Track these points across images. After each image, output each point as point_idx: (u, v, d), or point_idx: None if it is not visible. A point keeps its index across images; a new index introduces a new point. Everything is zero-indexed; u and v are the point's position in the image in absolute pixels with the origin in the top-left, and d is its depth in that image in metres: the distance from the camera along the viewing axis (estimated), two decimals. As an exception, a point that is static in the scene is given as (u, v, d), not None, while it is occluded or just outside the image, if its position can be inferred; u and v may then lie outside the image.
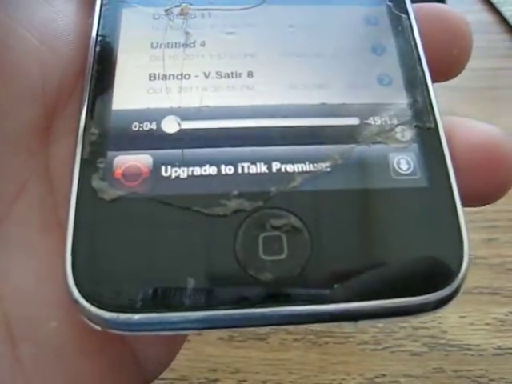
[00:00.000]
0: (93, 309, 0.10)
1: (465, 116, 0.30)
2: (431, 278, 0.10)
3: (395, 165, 0.11)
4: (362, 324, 0.10)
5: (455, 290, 0.10)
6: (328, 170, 0.11)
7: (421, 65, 0.12)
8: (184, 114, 0.12)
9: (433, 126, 0.12)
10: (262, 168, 0.11)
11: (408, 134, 0.12)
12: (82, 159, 0.11)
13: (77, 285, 0.10)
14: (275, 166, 0.11)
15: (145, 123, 0.12)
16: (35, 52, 0.12)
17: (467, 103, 0.27)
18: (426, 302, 0.10)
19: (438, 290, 0.10)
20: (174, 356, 0.13)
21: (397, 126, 0.12)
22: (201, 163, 0.11)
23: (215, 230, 0.11)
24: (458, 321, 0.22)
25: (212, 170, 0.11)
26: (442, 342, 0.21)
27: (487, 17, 0.31)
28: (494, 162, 0.11)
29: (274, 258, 0.10)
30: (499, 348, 0.21)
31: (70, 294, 0.10)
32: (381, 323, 0.10)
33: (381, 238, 0.11)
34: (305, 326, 0.21)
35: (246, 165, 0.11)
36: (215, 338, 0.21)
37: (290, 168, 0.11)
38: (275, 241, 0.10)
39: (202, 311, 0.10)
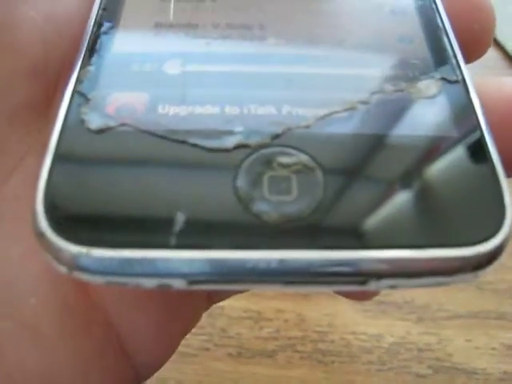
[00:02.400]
0: (60, 242, 0.08)
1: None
2: (471, 230, 0.09)
3: (419, 114, 0.11)
4: (386, 284, 0.08)
5: (499, 246, 0.09)
6: (345, 114, 0.10)
7: (443, 22, 0.12)
8: (188, 58, 0.11)
9: (460, 78, 0.11)
10: (270, 110, 0.10)
11: (433, 86, 0.11)
12: (73, 91, 0.11)
13: (46, 214, 0.09)
14: (286, 108, 0.10)
15: (146, 64, 0.11)
16: (39, 30, 0.12)
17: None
18: (465, 257, 0.08)
19: (481, 243, 0.08)
20: (168, 353, 0.12)
21: (420, 78, 0.11)
22: (203, 102, 0.10)
23: (214, 166, 0.10)
24: (463, 344, 0.22)
25: (215, 110, 0.10)
26: (448, 364, 0.21)
27: (492, 53, 0.32)
28: None
29: (281, 199, 0.09)
30: (505, 373, 0.21)
31: (36, 225, 0.09)
32: (407, 287, 0.09)
33: (403, 185, 0.09)
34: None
35: (253, 106, 0.10)
36: (224, 353, 0.22)
37: (302, 111, 0.10)
38: (283, 180, 0.09)
39: (191, 251, 0.08)
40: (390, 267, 0.08)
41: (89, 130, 0.10)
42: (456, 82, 0.11)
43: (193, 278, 0.08)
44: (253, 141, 0.10)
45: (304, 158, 0.10)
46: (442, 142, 0.10)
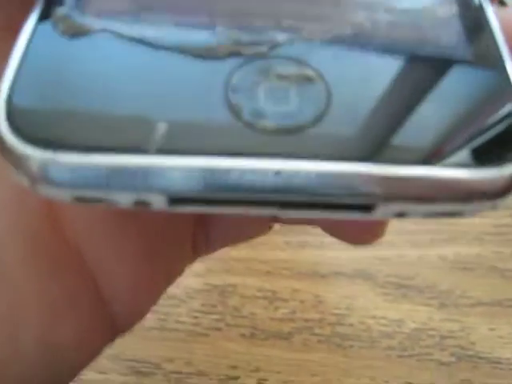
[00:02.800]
0: (22, 146, 0.07)
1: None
2: (489, 152, 0.08)
3: (436, 33, 0.10)
4: (394, 209, 0.07)
5: None
6: (350, 29, 0.09)
7: None
8: None
9: (477, 2, 0.10)
10: (269, 21, 0.09)
11: (448, 5, 0.10)
12: None
13: (7, 116, 0.07)
14: (287, 22, 0.09)
15: None
16: None
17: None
18: (484, 179, 0.07)
19: (501, 165, 0.07)
20: (148, 304, 0.12)
21: None
22: (190, 10, 0.09)
23: (203, 73, 0.08)
24: (487, 333, 0.21)
25: (203, 20, 0.09)
26: (471, 353, 0.20)
27: None
28: None
29: (280, 107, 0.08)
30: (529, 363, 0.20)
31: None
32: (418, 215, 0.07)
33: (413, 97, 0.08)
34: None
35: (248, 18, 0.09)
36: (236, 334, 0.21)
37: (307, 24, 0.09)
38: (282, 89, 0.08)
39: (173, 158, 0.07)
40: (400, 187, 0.07)
41: (61, 32, 0.09)
42: (474, 3, 0.10)
43: (175, 194, 0.07)
44: (248, 49, 0.09)
45: (305, 68, 0.09)
46: (456, 62, 0.09)
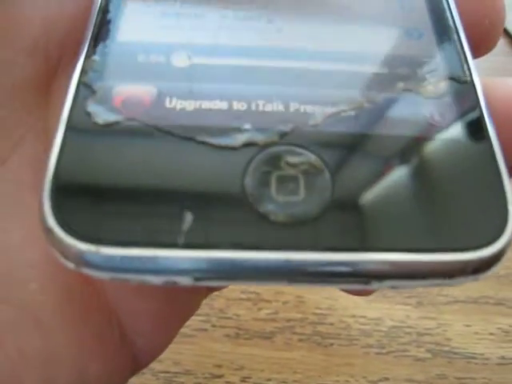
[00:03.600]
0: (68, 239, 0.08)
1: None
2: (475, 232, 0.09)
3: (427, 114, 0.11)
4: (387, 285, 0.08)
5: (500, 251, 0.09)
6: (353, 112, 0.10)
7: (453, 19, 0.12)
8: (196, 50, 0.11)
9: (468, 79, 0.11)
10: (279, 107, 0.10)
11: (441, 85, 0.11)
12: (79, 82, 0.10)
13: (53, 210, 0.09)
14: (294, 106, 0.10)
15: (152, 55, 0.11)
16: (41, 7, 0.11)
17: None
18: (466, 261, 0.08)
19: (482, 247, 0.09)
20: (167, 340, 0.12)
21: (429, 76, 0.11)
22: (210, 97, 0.10)
23: (222, 164, 0.09)
24: (462, 329, 0.22)
25: (222, 105, 0.10)
26: (446, 349, 0.21)
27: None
28: None
29: (289, 199, 0.09)
30: (503, 358, 0.21)
31: (44, 221, 0.09)
32: (409, 287, 0.09)
33: (408, 188, 0.10)
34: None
35: (261, 102, 0.10)
36: (221, 334, 0.22)
37: (309, 109, 0.10)
38: (291, 180, 0.09)
39: (199, 250, 0.08)
40: (393, 269, 0.08)
41: (95, 123, 0.10)
42: (464, 82, 0.11)
43: (199, 276, 0.08)
44: (261, 139, 0.10)
45: (312, 157, 0.10)
46: (448, 144, 0.10)
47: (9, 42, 0.11)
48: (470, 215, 0.09)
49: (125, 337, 0.11)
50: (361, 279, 0.09)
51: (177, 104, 0.10)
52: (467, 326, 0.22)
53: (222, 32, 0.12)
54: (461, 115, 0.11)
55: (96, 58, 0.11)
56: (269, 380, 0.20)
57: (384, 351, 0.21)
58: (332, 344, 0.21)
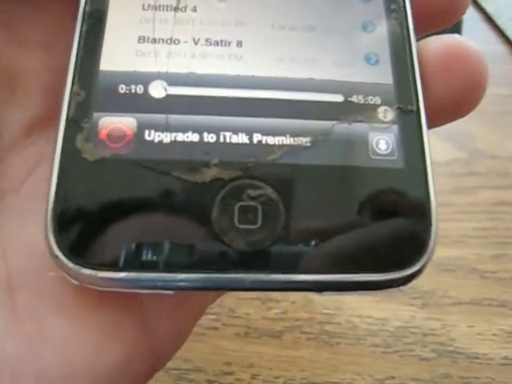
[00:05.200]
0: (71, 265, 0.10)
1: (477, 137, 0.31)
2: (399, 255, 0.11)
3: (374, 145, 0.12)
4: (327, 294, 0.11)
5: (420, 268, 0.11)
6: (308, 144, 0.11)
7: (410, 47, 0.12)
8: (171, 80, 0.12)
9: (415, 108, 0.12)
10: (243, 138, 0.11)
11: (389, 114, 0.12)
12: (67, 119, 0.11)
13: (57, 241, 0.10)
14: (256, 137, 0.11)
15: (132, 86, 0.12)
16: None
17: (479, 125, 0.29)
18: (392, 279, 0.10)
19: (405, 267, 0.11)
20: (184, 333, 0.13)
21: (379, 106, 0.12)
22: (184, 129, 0.11)
23: (194, 196, 0.11)
24: (466, 330, 0.22)
25: (194, 137, 0.11)
26: (450, 349, 0.22)
27: (500, 47, 0.32)
28: (462, 57, 0.12)
29: (248, 227, 0.11)
30: (506, 358, 0.22)
31: (51, 249, 0.10)
32: (345, 295, 0.12)
33: (353, 215, 0.11)
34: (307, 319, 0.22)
35: (227, 134, 0.11)
36: (231, 332, 0.22)
37: (270, 140, 0.11)
38: (250, 210, 0.11)
39: (178, 273, 0.10)
40: (332, 286, 0.11)
41: (85, 160, 0.11)
42: (410, 111, 0.12)
43: (178, 290, 0.11)
44: (226, 173, 0.11)
45: (269, 190, 0.11)
46: (389, 174, 0.12)
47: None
48: (398, 242, 0.11)
49: (145, 323, 0.12)
50: (306, 290, 0.11)
51: (154, 136, 0.11)
52: (471, 326, 0.22)
53: (194, 60, 0.12)
54: (402, 143, 0.12)
55: (79, 91, 0.12)
56: (277, 377, 0.21)
57: (390, 350, 0.22)
58: (339, 343, 0.22)
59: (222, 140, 0.11)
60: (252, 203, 0.11)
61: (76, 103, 0.11)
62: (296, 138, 0.11)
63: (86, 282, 0.10)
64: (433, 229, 0.11)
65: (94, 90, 0.12)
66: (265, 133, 0.11)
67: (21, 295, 0.11)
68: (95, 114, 0.11)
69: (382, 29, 0.13)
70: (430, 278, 0.24)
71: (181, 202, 0.11)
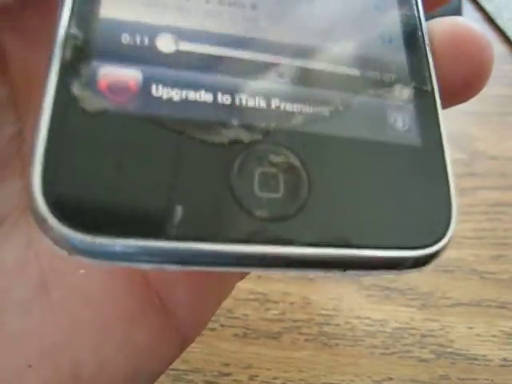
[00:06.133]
0: (63, 229, 0.08)
1: (476, 138, 0.31)
2: (425, 232, 0.10)
3: (392, 121, 0.11)
4: (349, 274, 0.10)
5: (441, 248, 0.10)
6: (327, 114, 0.11)
7: (422, 31, 0.13)
8: (181, 35, 0.11)
9: (429, 88, 0.12)
10: (260, 102, 0.11)
11: (406, 93, 0.12)
12: (62, 61, 0.10)
13: (47, 202, 0.09)
14: (274, 102, 0.11)
15: (137, 37, 0.11)
16: None
17: (479, 126, 0.29)
18: (418, 256, 0.10)
19: (430, 245, 0.10)
20: (207, 312, 0.13)
21: (395, 83, 0.12)
22: (196, 88, 0.10)
23: (210, 159, 0.10)
24: (465, 331, 0.22)
25: (208, 97, 0.10)
26: (449, 350, 0.22)
27: (501, 47, 0.32)
28: (468, 38, 0.12)
29: (271, 196, 0.10)
30: (505, 359, 0.21)
31: (37, 212, 0.09)
32: (368, 276, 0.11)
33: (376, 190, 0.11)
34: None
35: (244, 96, 0.10)
36: (229, 334, 0.22)
37: (289, 107, 0.11)
38: (272, 178, 0.10)
39: (189, 243, 0.09)
40: (356, 263, 0.10)
41: (83, 110, 0.09)
42: (426, 91, 0.12)
43: (185, 264, 0.09)
44: (246, 136, 0.10)
45: (291, 157, 0.10)
46: (406, 151, 0.11)
47: None
48: (420, 218, 0.10)
49: (166, 308, 0.12)
50: (324, 270, 0.10)
51: (163, 92, 0.10)
52: (470, 328, 0.22)
53: (206, 17, 0.11)
54: (418, 122, 0.11)
55: (77, 33, 0.10)
56: (275, 378, 0.21)
57: (388, 352, 0.22)
58: (337, 344, 0.22)
59: (237, 102, 0.10)
60: (274, 170, 0.10)
61: (72, 46, 0.10)
62: (315, 107, 0.11)
63: (80, 253, 0.09)
64: (453, 206, 0.11)
65: (94, 36, 0.10)
66: (283, 99, 0.11)
67: (55, 292, 0.11)
68: (95, 62, 0.10)
69: (395, 9, 0.13)
70: (428, 278, 0.24)
71: (195, 164, 0.10)
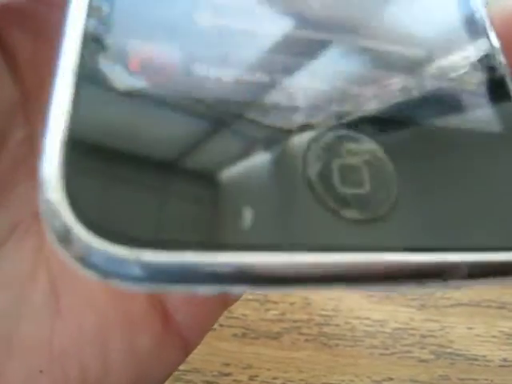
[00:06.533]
0: (95, 242, 0.06)
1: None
2: None
3: (469, 107, 0.10)
4: (451, 285, 0.08)
5: None
6: (400, 99, 0.09)
7: (485, 14, 0.12)
8: (224, 12, 0.09)
9: (504, 75, 0.11)
10: (324, 85, 0.09)
11: (478, 78, 0.11)
12: (85, 34, 0.08)
13: (72, 204, 0.06)
14: (341, 85, 0.09)
15: (174, 9, 0.09)
16: None
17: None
18: None
19: None
20: (209, 318, 0.13)
21: (469, 68, 0.11)
22: (249, 68, 0.09)
23: (275, 148, 0.08)
24: (465, 331, 0.22)
25: (264, 78, 0.09)
26: (449, 350, 0.22)
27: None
28: None
29: (356, 192, 0.08)
30: (505, 360, 0.21)
31: (58, 220, 0.06)
32: (475, 286, 0.09)
33: (468, 182, 0.09)
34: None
35: (305, 78, 0.09)
36: (229, 334, 0.22)
37: (356, 90, 0.09)
38: (354, 170, 0.08)
39: (266, 252, 0.07)
40: (470, 269, 0.08)
41: (113, 89, 0.07)
42: (500, 77, 0.11)
43: (258, 286, 0.07)
44: (318, 120, 0.08)
45: (373, 145, 0.08)
46: (487, 138, 0.10)
47: None
48: None
49: (168, 312, 0.12)
50: (427, 281, 0.07)
51: (209, 72, 0.08)
52: (470, 328, 0.22)
53: None
54: (496, 109, 0.10)
55: (102, 6, 0.08)
56: (275, 378, 0.21)
57: (388, 352, 0.22)
58: (337, 344, 0.22)
59: (299, 84, 0.09)
60: (355, 160, 0.08)
61: (97, 18, 0.08)
62: (392, 91, 0.09)
63: (119, 276, 0.06)
64: None
65: (121, 10, 0.08)
66: (350, 82, 0.09)
67: (64, 298, 0.12)
68: (124, 35, 0.08)
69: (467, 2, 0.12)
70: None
71: (259, 156, 0.08)
